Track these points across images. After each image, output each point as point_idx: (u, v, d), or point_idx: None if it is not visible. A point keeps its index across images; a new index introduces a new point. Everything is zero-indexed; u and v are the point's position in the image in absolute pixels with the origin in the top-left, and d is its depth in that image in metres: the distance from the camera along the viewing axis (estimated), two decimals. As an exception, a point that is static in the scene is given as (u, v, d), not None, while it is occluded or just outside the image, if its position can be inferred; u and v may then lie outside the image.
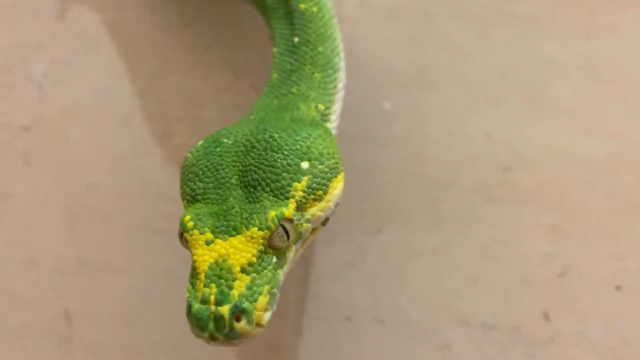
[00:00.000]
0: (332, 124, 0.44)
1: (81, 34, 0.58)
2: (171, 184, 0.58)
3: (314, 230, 0.39)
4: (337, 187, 0.40)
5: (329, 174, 0.39)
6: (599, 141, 0.47)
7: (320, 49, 0.44)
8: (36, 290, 0.61)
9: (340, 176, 0.40)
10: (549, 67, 0.49)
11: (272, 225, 0.36)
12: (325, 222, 0.40)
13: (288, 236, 0.36)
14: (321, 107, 0.42)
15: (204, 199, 0.38)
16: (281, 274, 0.37)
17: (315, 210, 0.38)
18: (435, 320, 0.51)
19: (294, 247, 0.38)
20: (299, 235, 0.38)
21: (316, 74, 0.43)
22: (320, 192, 0.38)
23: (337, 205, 0.40)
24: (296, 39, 0.44)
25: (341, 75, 0.45)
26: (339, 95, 0.45)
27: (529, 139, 0.48)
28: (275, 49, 0.45)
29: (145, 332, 0.59)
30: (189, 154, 0.41)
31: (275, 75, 0.44)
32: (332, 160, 0.39)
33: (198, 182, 0.38)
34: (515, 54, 0.50)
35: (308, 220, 0.38)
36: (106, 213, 0.60)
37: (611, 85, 0.48)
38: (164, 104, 0.58)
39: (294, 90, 0.43)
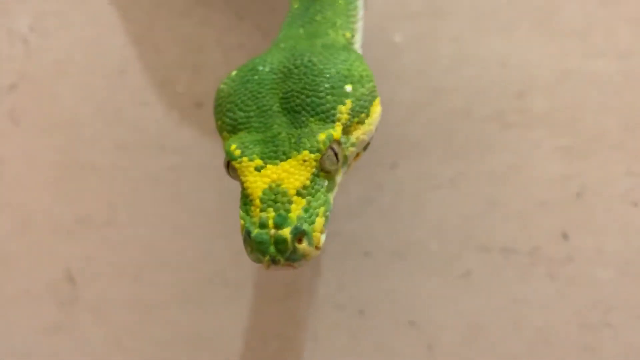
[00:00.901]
0: (357, 54, 0.44)
1: (69, -20, 0.56)
2: (173, 134, 0.57)
3: (357, 155, 0.39)
4: (376, 111, 0.39)
5: (369, 97, 0.39)
6: (609, 61, 0.48)
7: None
8: (34, 253, 0.59)
9: (378, 100, 0.40)
10: (558, -10, 0.50)
11: (322, 148, 0.35)
12: (366, 146, 0.40)
13: (338, 159, 0.36)
14: (348, 34, 0.42)
15: (246, 128, 0.37)
16: (331, 197, 0.37)
17: (359, 134, 0.38)
18: (455, 249, 0.52)
19: (341, 172, 0.38)
20: (345, 159, 0.38)
21: (339, 0, 0.43)
22: (363, 115, 0.38)
23: (376, 129, 0.40)
24: None
25: (360, 3, 0.45)
26: (360, 25, 0.44)
27: (542, 62, 0.49)
28: None
29: (153, 287, 0.58)
30: (222, 85, 0.40)
31: (296, 5, 0.43)
32: (371, 83, 0.39)
33: (239, 112, 0.37)
34: (523, -22, 0.50)
35: (353, 144, 0.38)
36: (105, 168, 0.58)
37: (619, 5, 0.49)
38: (162, 51, 0.57)
39: (318, 17, 0.42)
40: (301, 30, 0.42)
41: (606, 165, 0.49)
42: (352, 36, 0.43)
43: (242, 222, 0.35)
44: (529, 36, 0.49)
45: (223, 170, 0.56)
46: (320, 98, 0.36)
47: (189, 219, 0.57)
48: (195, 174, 0.57)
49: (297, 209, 0.34)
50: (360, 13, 0.45)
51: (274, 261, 0.34)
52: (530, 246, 0.50)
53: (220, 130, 0.38)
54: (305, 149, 0.35)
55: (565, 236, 0.50)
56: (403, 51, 0.51)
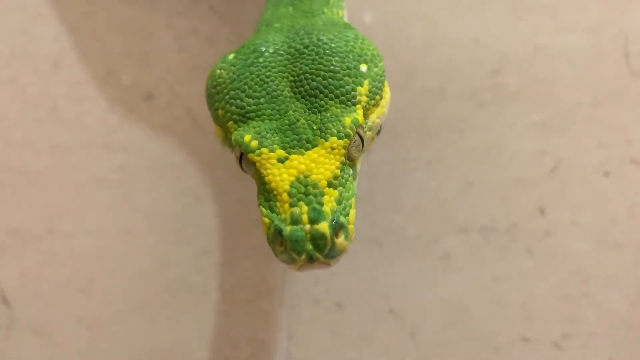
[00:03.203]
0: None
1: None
2: (120, 131, 0.52)
3: (371, 140, 0.37)
4: (387, 92, 0.37)
5: (382, 77, 0.36)
6: (581, 35, 0.49)
7: None
8: (-41, 275, 0.52)
9: (386, 81, 0.38)
10: (526, -33, 0.49)
11: (350, 133, 0.33)
12: (379, 130, 0.37)
13: (363, 144, 0.34)
14: (340, 12, 0.39)
15: (257, 116, 0.33)
16: (355, 186, 0.34)
17: (374, 117, 0.36)
18: (433, 233, 0.51)
19: (360, 159, 0.35)
20: (365, 145, 0.35)
21: None
22: (378, 96, 0.36)
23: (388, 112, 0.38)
24: None
25: (342, -21, 0.42)
26: (345, 3, 0.42)
27: (515, 39, 0.49)
28: None
29: (104, 299, 0.53)
30: (218, 70, 0.36)
31: (276, -17, 0.40)
32: (382, 62, 0.37)
33: (246, 98, 0.34)
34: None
35: (370, 128, 0.35)
36: (41, 172, 0.52)
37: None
38: (102, 39, 0.51)
39: None
40: (291, 9, 0.39)
41: (579, 139, 0.49)
42: (343, 14, 0.40)
43: (266, 220, 0.31)
44: (501, 14, 0.49)
45: (179, 167, 0.52)
46: (338, 80, 0.34)
47: (142, 223, 0.52)
48: (147, 173, 0.52)
49: (330, 200, 0.31)
50: (344, -10, 0.42)
51: (310, 259, 0.31)
52: (508, 223, 0.50)
53: (223, 120, 0.34)
54: (332, 136, 0.32)
55: (542, 211, 0.50)
56: (374, 32, 0.49)
